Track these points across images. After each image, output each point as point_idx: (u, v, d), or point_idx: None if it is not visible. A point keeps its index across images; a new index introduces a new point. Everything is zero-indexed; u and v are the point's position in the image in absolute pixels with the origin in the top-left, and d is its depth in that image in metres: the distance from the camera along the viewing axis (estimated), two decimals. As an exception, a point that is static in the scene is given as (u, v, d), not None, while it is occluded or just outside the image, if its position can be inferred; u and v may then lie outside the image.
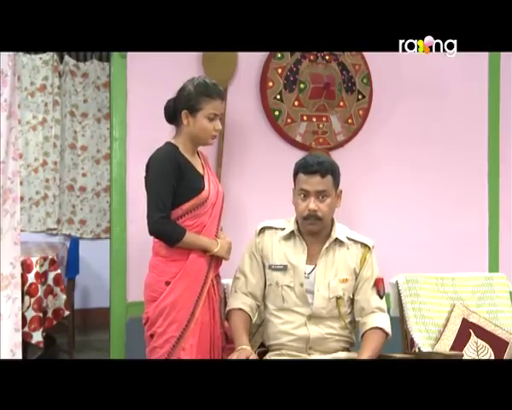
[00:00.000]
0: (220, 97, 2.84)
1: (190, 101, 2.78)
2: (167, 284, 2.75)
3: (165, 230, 2.75)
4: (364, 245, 2.71)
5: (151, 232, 2.76)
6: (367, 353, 2.54)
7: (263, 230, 2.77)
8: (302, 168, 2.65)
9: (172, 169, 2.73)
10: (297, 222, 2.72)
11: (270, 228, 2.76)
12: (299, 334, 2.62)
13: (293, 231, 2.70)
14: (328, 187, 2.63)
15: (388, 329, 2.66)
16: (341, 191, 2.71)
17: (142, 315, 2.82)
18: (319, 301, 2.63)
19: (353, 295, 2.70)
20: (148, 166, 2.80)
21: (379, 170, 3.83)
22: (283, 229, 2.73)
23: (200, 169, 2.85)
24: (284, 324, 2.65)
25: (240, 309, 2.68)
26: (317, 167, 2.60)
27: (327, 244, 2.67)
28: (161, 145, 2.83)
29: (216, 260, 2.86)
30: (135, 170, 3.25)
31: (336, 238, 2.68)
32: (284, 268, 2.67)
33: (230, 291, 2.83)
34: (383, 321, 2.66)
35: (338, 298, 2.65)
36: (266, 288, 2.72)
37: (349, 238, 2.71)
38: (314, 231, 2.67)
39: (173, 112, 2.85)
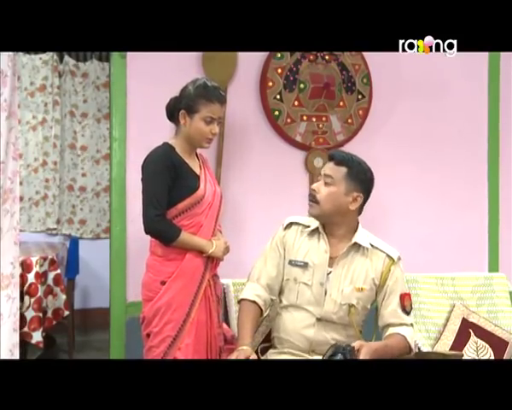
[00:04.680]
0: (219, 101, 2.82)
1: (189, 102, 2.79)
2: (163, 283, 2.74)
3: (161, 228, 2.74)
4: (389, 257, 2.64)
5: (146, 230, 2.76)
6: (376, 344, 2.49)
7: (290, 225, 2.73)
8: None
9: (167, 168, 2.73)
10: None
11: (297, 224, 2.72)
12: (305, 334, 2.59)
13: (317, 228, 2.66)
14: (337, 176, 2.59)
15: (411, 341, 2.57)
16: (361, 198, 2.63)
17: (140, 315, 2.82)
18: (330, 305, 2.59)
19: (377, 308, 2.64)
20: (143, 167, 2.81)
21: (379, 170, 3.79)
22: (309, 226, 2.68)
23: (196, 169, 2.84)
24: (293, 322, 2.62)
25: (253, 301, 2.64)
26: (334, 154, 2.67)
27: (345, 249, 2.62)
28: (158, 145, 2.83)
29: (213, 261, 2.84)
30: (135, 170, 3.23)
31: (356, 243, 2.62)
32: (305, 265, 2.62)
33: (248, 278, 2.76)
34: (407, 332, 2.58)
35: (350, 306, 2.59)
36: (283, 282, 2.68)
37: (373, 246, 2.65)
38: (310, 213, 2.63)
39: (173, 111, 2.86)
